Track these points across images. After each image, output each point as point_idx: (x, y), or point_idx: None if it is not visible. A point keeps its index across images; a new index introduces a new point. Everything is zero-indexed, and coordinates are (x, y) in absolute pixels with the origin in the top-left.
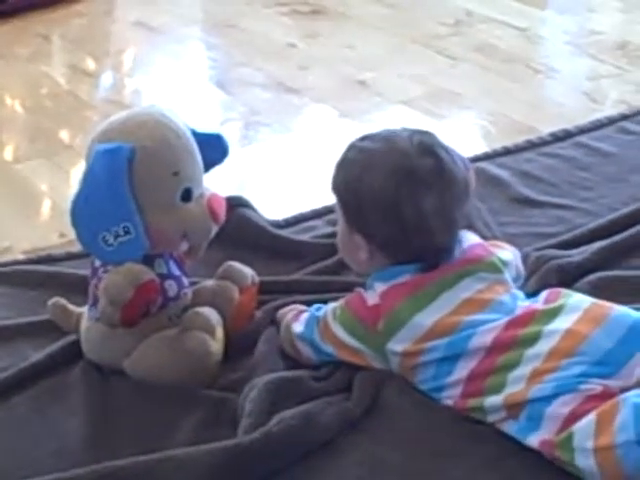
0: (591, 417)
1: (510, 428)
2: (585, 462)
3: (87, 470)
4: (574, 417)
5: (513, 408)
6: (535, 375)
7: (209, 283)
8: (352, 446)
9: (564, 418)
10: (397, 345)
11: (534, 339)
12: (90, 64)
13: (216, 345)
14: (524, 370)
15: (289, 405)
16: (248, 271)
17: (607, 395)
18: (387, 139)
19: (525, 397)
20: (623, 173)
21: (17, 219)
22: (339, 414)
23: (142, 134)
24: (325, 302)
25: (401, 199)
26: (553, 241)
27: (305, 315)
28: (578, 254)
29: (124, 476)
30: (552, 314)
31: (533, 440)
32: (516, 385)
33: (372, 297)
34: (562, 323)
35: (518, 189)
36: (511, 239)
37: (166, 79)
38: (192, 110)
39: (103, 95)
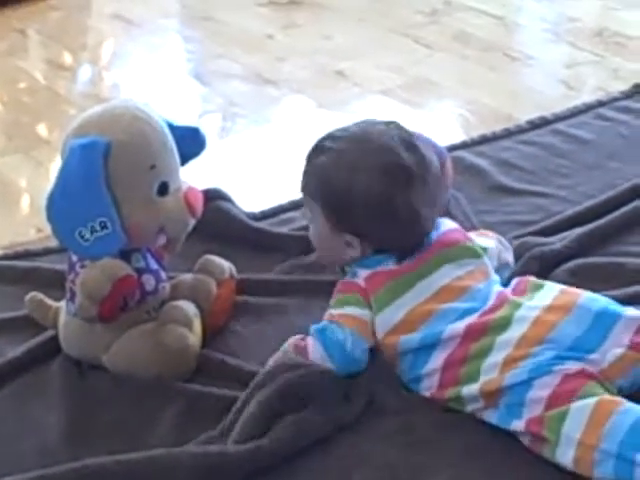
0: (592, 401)
1: (491, 417)
2: (565, 450)
3: (68, 469)
4: (556, 398)
5: (490, 396)
6: (508, 362)
7: (187, 277)
8: (338, 440)
9: (545, 401)
10: (377, 328)
11: (505, 325)
12: (67, 58)
13: (194, 338)
14: (497, 357)
15: (294, 407)
16: (226, 264)
17: (585, 374)
18: (364, 137)
19: (501, 384)
20: (600, 160)
21: None
22: (332, 422)
23: (118, 128)
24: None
25: (395, 194)
26: (531, 229)
27: (309, 340)
28: (556, 241)
29: (108, 475)
30: (520, 304)
31: (517, 424)
32: (490, 373)
33: (358, 280)
34: (531, 311)
35: (496, 177)
36: (489, 227)
37: (144, 72)
38: (170, 103)
39: (81, 89)
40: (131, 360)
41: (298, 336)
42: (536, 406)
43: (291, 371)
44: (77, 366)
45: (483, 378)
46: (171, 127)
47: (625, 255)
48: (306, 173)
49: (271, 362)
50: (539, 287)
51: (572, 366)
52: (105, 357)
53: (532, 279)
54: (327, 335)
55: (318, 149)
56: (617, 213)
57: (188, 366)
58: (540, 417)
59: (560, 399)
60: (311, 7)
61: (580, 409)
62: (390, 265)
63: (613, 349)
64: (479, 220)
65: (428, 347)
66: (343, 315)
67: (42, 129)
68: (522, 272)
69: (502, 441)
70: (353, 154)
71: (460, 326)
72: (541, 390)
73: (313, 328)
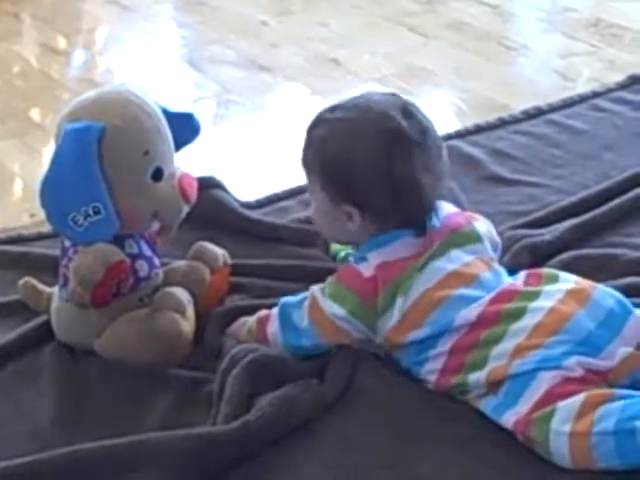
0: (580, 397)
1: (487, 404)
2: (558, 444)
3: (60, 453)
4: (550, 396)
5: (494, 384)
6: (518, 350)
7: (181, 264)
8: (325, 426)
9: (540, 396)
10: (386, 321)
11: (519, 314)
12: (61, 42)
13: (187, 325)
14: (507, 345)
15: (267, 387)
16: (220, 252)
17: (587, 381)
18: (364, 106)
19: (507, 372)
20: (595, 150)
21: None
22: (315, 399)
23: (112, 113)
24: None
25: (394, 161)
26: (525, 219)
27: (273, 311)
28: (549, 232)
29: (98, 460)
30: (535, 295)
31: (507, 419)
32: (498, 360)
33: (366, 269)
34: (546, 302)
35: (490, 167)
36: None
37: (138, 57)
38: (164, 88)
39: (74, 74)
40: (123, 346)
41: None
42: (528, 400)
43: (253, 352)
44: (69, 352)
45: (491, 365)
46: (165, 113)
47: (619, 246)
48: (305, 146)
49: (229, 330)
50: (554, 279)
51: (578, 368)
52: (97, 343)
53: (546, 270)
54: (288, 316)
55: (316, 121)
56: (612, 204)
57: (181, 352)
58: (527, 418)
59: (552, 398)
60: None
61: (567, 405)
62: (401, 246)
63: (622, 347)
64: (473, 210)
65: (438, 334)
66: (319, 309)
67: (35, 114)
68: (514, 263)
69: (494, 432)
70: (350, 122)
71: (472, 314)
72: (540, 383)
73: (282, 301)
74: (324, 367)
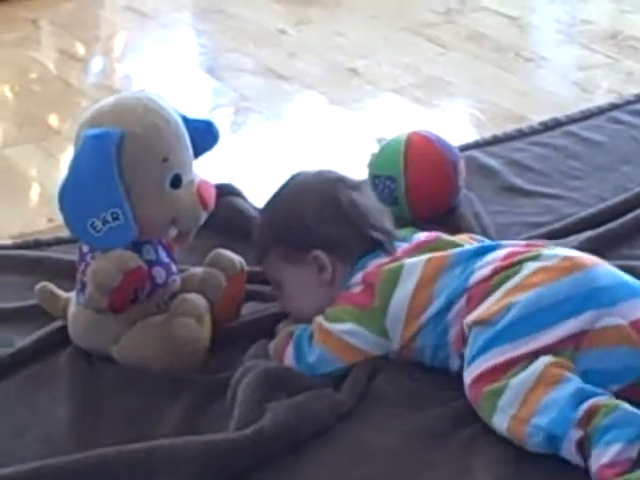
0: (533, 372)
1: (481, 337)
2: (499, 422)
3: (74, 458)
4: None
5: (498, 311)
6: (522, 287)
7: (198, 270)
8: (340, 432)
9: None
10: (396, 313)
11: (535, 257)
12: (79, 49)
13: (203, 331)
14: (521, 276)
15: (280, 395)
16: (236, 258)
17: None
18: (296, 182)
19: (510, 301)
20: (613, 163)
21: (5, 204)
22: (329, 407)
23: (131, 120)
24: None
25: (337, 195)
26: (542, 230)
27: (290, 346)
28: (566, 244)
29: (112, 465)
30: (549, 249)
31: (470, 374)
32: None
33: (356, 287)
34: (561, 251)
35: (508, 178)
36: (500, 228)
37: (156, 64)
38: (182, 96)
39: (92, 80)
40: (140, 352)
41: (288, 329)
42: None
43: (265, 363)
44: (86, 357)
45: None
46: (184, 120)
47: (636, 259)
48: (255, 240)
49: (251, 351)
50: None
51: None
52: (114, 349)
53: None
54: (300, 344)
55: (255, 223)
56: (630, 216)
57: (197, 359)
58: (480, 388)
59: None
60: (324, 4)
61: (518, 384)
62: (381, 256)
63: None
64: (490, 221)
65: (450, 302)
66: (325, 332)
67: (53, 119)
68: None
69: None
70: (288, 193)
71: (486, 270)
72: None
73: (296, 333)
74: (340, 377)
